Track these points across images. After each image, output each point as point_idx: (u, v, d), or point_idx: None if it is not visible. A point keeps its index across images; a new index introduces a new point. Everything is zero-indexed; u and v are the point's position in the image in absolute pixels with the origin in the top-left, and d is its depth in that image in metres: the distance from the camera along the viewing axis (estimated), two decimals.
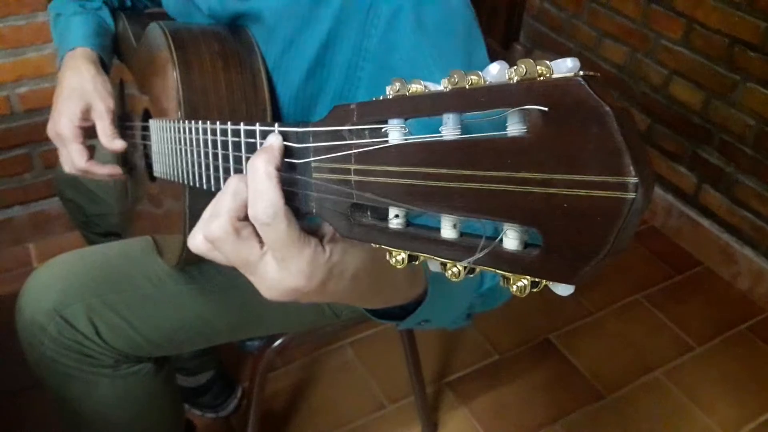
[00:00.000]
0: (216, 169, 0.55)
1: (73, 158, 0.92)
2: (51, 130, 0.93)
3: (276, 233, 0.40)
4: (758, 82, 1.79)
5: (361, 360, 1.65)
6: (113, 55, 1.06)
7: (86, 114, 0.92)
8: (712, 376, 1.67)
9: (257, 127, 0.45)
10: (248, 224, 0.42)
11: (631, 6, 2.08)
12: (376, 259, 0.45)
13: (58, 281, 0.88)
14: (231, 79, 0.81)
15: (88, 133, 0.93)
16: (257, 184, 0.40)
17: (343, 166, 0.37)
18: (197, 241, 0.45)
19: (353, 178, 0.36)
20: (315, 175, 0.39)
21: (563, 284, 0.29)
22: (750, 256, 1.92)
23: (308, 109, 0.82)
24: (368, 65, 0.75)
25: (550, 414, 1.55)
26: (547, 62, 0.28)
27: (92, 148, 0.95)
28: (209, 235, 0.43)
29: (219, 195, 0.43)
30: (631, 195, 0.25)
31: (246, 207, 0.42)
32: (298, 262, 0.41)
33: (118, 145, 0.91)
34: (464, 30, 0.74)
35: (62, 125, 0.91)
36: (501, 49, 1.20)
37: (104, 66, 0.99)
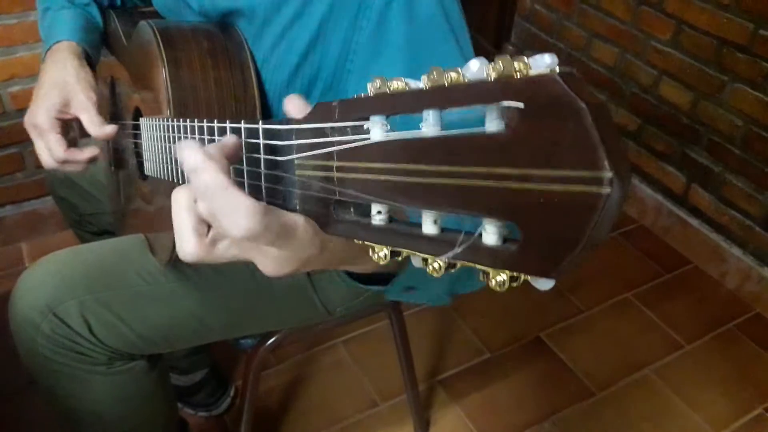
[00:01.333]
0: None
1: (51, 148, 0.89)
2: (27, 122, 0.90)
3: (267, 237, 0.38)
4: (746, 82, 1.80)
5: (353, 358, 1.65)
6: (100, 51, 1.05)
7: (65, 107, 0.89)
8: (700, 373, 1.69)
9: (242, 125, 0.46)
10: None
11: (621, 7, 2.10)
12: None
13: (52, 279, 0.88)
14: (220, 76, 0.81)
15: (67, 127, 0.91)
16: (216, 202, 0.37)
17: (326, 163, 0.37)
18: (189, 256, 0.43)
19: (335, 175, 0.36)
20: (298, 172, 0.39)
21: (543, 278, 0.29)
22: (738, 255, 1.93)
23: None
24: (358, 58, 0.75)
25: (541, 411, 1.56)
26: (525, 59, 0.28)
27: (73, 141, 0.92)
28: (188, 257, 0.42)
29: (175, 214, 0.42)
30: (606, 189, 0.25)
31: (205, 220, 0.41)
32: (292, 246, 0.41)
33: (109, 129, 0.88)
34: (454, 20, 0.74)
35: (39, 116, 0.88)
36: (493, 49, 1.21)
37: (90, 62, 0.97)
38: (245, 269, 0.96)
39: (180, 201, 0.41)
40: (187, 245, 0.41)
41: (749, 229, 1.89)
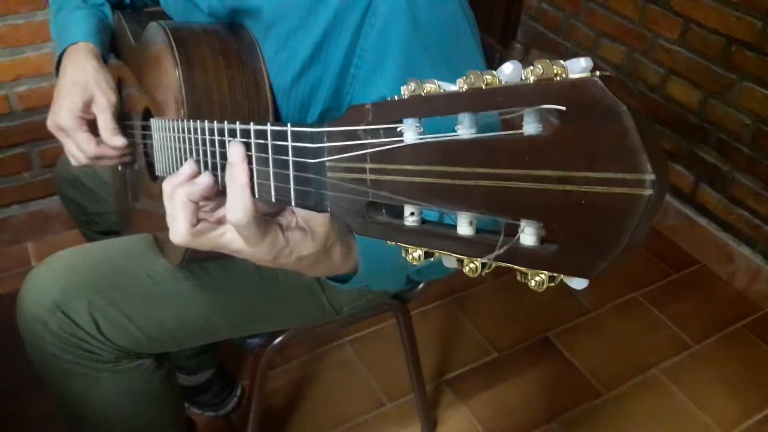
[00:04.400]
0: (223, 168, 0.55)
1: (82, 146, 0.90)
2: (51, 124, 0.91)
3: (248, 231, 0.49)
4: (755, 81, 1.80)
5: (360, 358, 1.65)
6: (110, 51, 1.06)
7: (87, 107, 0.90)
8: (709, 373, 1.69)
9: (268, 127, 0.46)
10: (204, 223, 0.53)
11: (628, 6, 2.09)
12: (323, 249, 0.57)
13: (60, 277, 0.88)
14: (233, 77, 0.81)
15: (91, 126, 0.92)
16: (235, 195, 0.49)
17: (359, 165, 0.37)
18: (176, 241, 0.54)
19: (369, 177, 0.36)
20: (329, 174, 0.39)
21: (579, 278, 0.29)
22: (747, 254, 1.93)
23: (302, 106, 0.83)
24: (364, 64, 0.76)
25: (549, 411, 1.56)
26: (562, 62, 0.28)
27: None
28: (178, 242, 0.53)
29: (171, 205, 0.52)
30: (648, 191, 0.26)
31: (196, 213, 0.52)
32: (261, 246, 0.51)
33: (119, 141, 0.90)
34: (457, 35, 0.76)
35: (62, 117, 0.89)
36: (499, 47, 1.21)
37: (104, 62, 0.97)
38: (253, 269, 0.96)
39: (176, 196, 0.52)
40: (181, 230, 0.52)
41: (758, 228, 1.89)
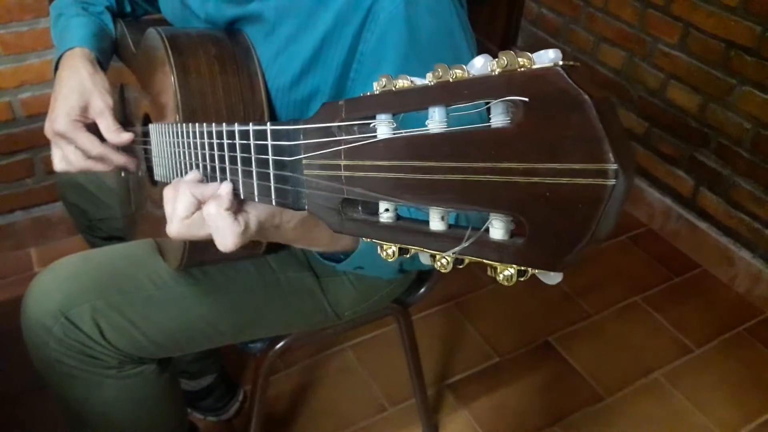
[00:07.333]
0: (213, 170, 0.56)
1: (85, 147, 0.87)
2: (48, 130, 0.89)
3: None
4: (754, 85, 1.79)
5: (361, 363, 1.65)
6: (110, 59, 1.06)
7: (84, 111, 0.89)
8: (710, 377, 1.68)
9: (250, 128, 0.46)
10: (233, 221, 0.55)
11: (628, 11, 2.10)
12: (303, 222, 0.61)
13: (64, 283, 0.89)
14: (228, 82, 0.81)
15: (89, 130, 0.90)
16: (217, 223, 0.53)
17: (333, 162, 0.37)
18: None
19: (343, 173, 0.37)
20: (306, 171, 0.40)
21: (551, 272, 0.29)
22: (747, 258, 1.92)
23: (301, 109, 0.83)
24: (363, 68, 0.76)
25: (550, 416, 1.56)
26: (529, 54, 0.28)
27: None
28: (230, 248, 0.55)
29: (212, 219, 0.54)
30: (611, 181, 0.26)
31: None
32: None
33: (125, 137, 0.88)
34: (453, 43, 0.77)
35: (60, 122, 0.87)
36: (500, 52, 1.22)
37: (102, 68, 0.97)
38: (255, 273, 0.96)
39: (210, 210, 0.54)
40: (230, 240, 0.54)
41: (758, 232, 1.88)
